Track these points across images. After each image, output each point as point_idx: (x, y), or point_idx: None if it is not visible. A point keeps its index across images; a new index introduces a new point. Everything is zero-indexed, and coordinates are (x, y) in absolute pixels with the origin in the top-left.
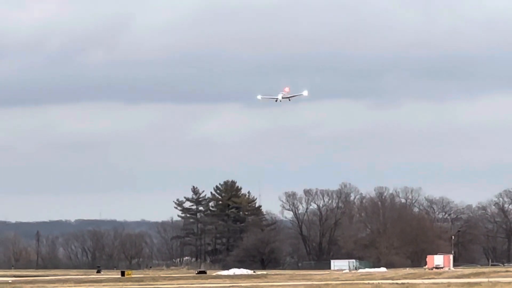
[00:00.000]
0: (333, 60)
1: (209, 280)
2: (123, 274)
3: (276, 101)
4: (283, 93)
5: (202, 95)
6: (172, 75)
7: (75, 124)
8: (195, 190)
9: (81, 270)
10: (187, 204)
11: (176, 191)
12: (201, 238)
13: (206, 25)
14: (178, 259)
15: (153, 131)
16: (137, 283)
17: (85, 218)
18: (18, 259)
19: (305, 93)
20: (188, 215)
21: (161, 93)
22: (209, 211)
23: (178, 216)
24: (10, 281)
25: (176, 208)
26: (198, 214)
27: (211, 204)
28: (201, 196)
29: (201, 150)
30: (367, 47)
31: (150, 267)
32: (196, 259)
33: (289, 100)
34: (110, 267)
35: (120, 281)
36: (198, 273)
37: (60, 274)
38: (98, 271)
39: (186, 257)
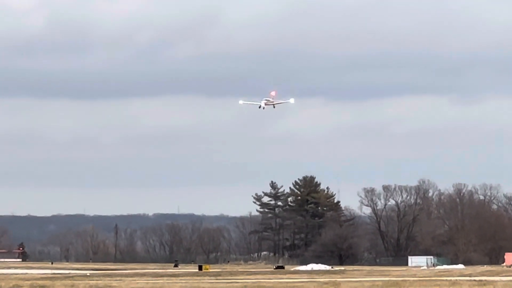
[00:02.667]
0: (418, 57)
1: (287, 275)
2: (200, 268)
3: (259, 107)
4: (267, 99)
5: (286, 90)
6: (256, 69)
7: (158, 118)
8: (273, 185)
9: (159, 264)
10: (266, 199)
11: (255, 186)
12: (279, 233)
13: (292, 21)
14: (256, 254)
15: (235, 125)
16: (214, 278)
17: (163, 212)
18: (96, 252)
19: (291, 100)
20: (266, 210)
21: (244, 87)
22: (287, 206)
23: (257, 211)
24: (88, 274)
25: (254, 203)
26: (276, 209)
27: (289, 199)
28: (279, 191)
29: (281, 145)
30: (455, 44)
31: (228, 262)
32: (274, 254)
33: (274, 107)
34: (188, 261)
35: (197, 275)
36: (276, 268)
37: (138, 267)
38: (176, 265)
39: (264, 252)
